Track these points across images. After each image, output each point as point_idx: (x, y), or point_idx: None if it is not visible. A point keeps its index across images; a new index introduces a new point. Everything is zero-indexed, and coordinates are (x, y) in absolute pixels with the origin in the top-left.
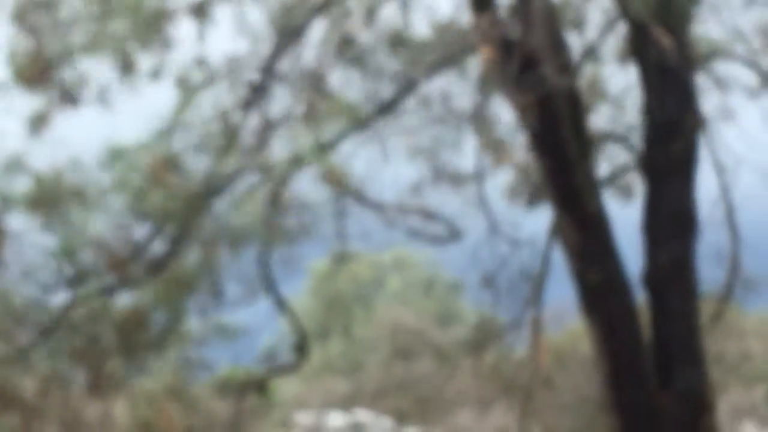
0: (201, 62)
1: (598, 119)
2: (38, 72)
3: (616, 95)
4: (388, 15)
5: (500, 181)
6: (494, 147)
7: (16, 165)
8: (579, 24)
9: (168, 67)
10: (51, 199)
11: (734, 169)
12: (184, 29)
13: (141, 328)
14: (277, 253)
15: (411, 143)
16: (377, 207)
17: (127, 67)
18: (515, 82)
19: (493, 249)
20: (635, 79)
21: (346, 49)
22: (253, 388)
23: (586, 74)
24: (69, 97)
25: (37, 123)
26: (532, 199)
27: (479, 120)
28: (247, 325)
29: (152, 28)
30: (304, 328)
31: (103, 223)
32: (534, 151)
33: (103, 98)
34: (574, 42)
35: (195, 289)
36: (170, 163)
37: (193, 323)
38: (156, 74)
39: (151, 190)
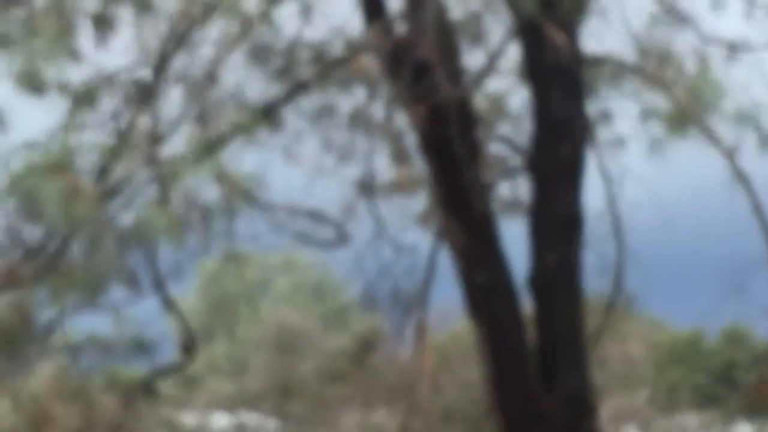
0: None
1: (497, 131)
2: None
3: (516, 109)
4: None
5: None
6: (397, 157)
7: None
8: (478, 37)
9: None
10: None
11: (620, 178)
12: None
13: (25, 325)
14: (165, 251)
15: (299, 147)
16: (267, 208)
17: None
18: (406, 89)
19: (379, 252)
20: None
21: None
22: (139, 389)
23: (485, 89)
24: None
25: None
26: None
27: (368, 127)
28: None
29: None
30: (191, 328)
31: None
32: (422, 152)
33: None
34: (474, 56)
35: (80, 286)
36: (62, 163)
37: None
38: (62, 89)
39: (42, 190)
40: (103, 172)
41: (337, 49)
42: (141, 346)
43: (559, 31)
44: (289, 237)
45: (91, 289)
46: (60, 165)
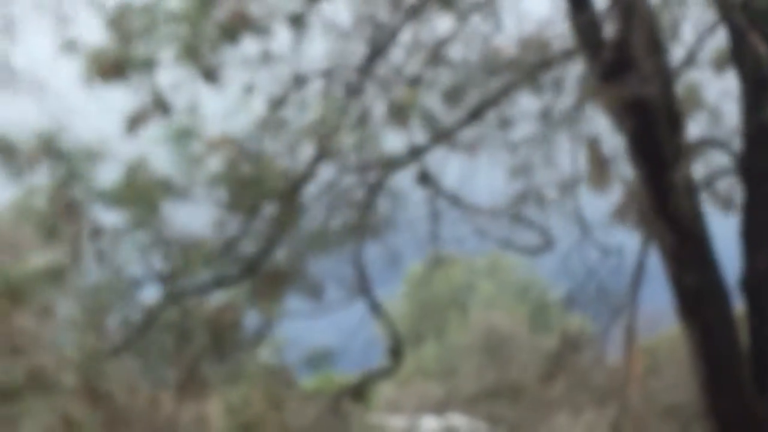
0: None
1: (696, 126)
2: (112, 67)
3: (714, 102)
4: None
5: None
6: (598, 164)
7: (101, 157)
8: (676, 30)
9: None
10: (139, 191)
11: None
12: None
13: (233, 328)
14: (372, 254)
15: (504, 154)
16: (472, 211)
17: (210, 79)
18: (611, 84)
19: (585, 255)
20: (733, 84)
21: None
22: (348, 394)
23: (684, 81)
24: (161, 104)
25: (132, 124)
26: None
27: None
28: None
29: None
30: (398, 332)
31: (192, 217)
32: (630, 155)
33: (193, 107)
34: (673, 49)
35: (291, 289)
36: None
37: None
38: (249, 89)
39: (244, 186)
40: (308, 169)
41: (538, 51)
42: (319, 359)
43: (763, 41)
44: (494, 242)
45: (301, 293)
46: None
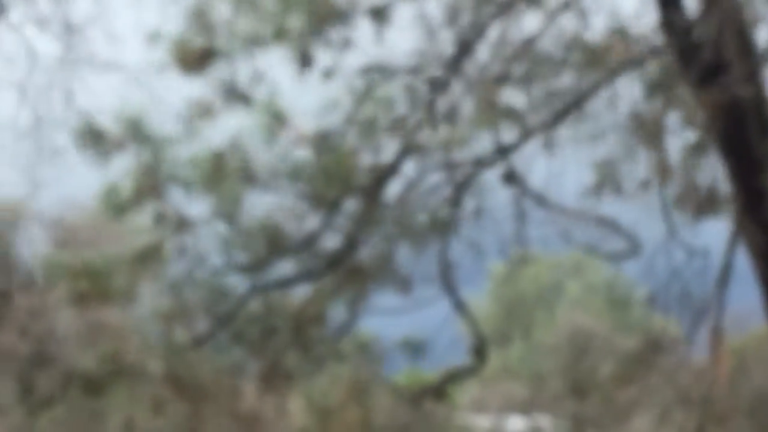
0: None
1: None
2: (198, 57)
3: None
4: (568, 18)
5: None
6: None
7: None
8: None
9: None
10: (222, 178)
11: None
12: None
13: (317, 322)
14: (457, 252)
15: (588, 151)
16: (557, 210)
17: (305, 63)
18: (702, 84)
19: (670, 255)
20: None
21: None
22: (431, 393)
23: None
24: (238, 95)
25: (202, 115)
26: (700, 210)
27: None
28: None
29: (329, 24)
30: (482, 331)
31: (274, 208)
32: (720, 153)
33: (273, 96)
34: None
35: (377, 285)
36: (351, 154)
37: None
38: (329, 73)
39: (330, 178)
40: (393, 165)
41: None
42: (413, 347)
43: None
44: (579, 246)
45: (389, 288)
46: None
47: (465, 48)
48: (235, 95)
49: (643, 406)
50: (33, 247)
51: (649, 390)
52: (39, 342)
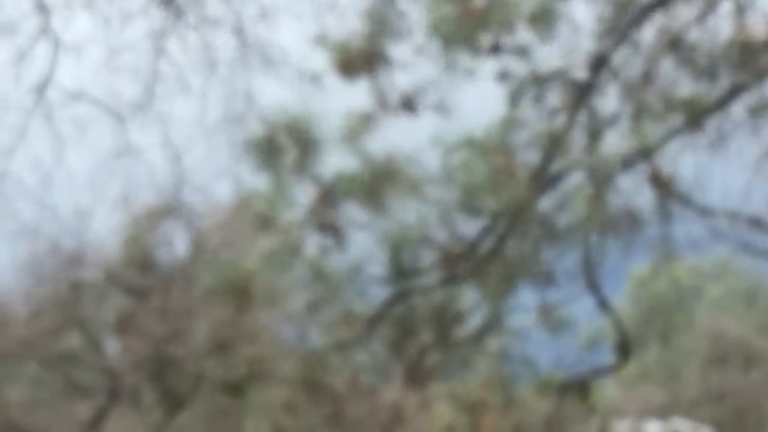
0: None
1: None
2: (362, 62)
3: None
4: (721, 14)
5: None
6: None
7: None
8: None
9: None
10: (383, 186)
11: None
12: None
13: (459, 322)
14: (602, 253)
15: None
16: (704, 212)
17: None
18: None
19: None
20: None
21: (675, 48)
22: (573, 390)
23: None
24: (408, 104)
25: (363, 125)
26: None
27: None
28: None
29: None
30: (626, 329)
31: (430, 216)
32: None
33: (443, 106)
34: None
35: (521, 284)
36: (514, 160)
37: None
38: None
39: (493, 185)
40: (541, 167)
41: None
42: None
43: None
44: (728, 245)
45: (533, 284)
46: (498, 147)
47: (611, 51)
48: (403, 103)
49: None
50: (174, 246)
51: None
52: (176, 343)
